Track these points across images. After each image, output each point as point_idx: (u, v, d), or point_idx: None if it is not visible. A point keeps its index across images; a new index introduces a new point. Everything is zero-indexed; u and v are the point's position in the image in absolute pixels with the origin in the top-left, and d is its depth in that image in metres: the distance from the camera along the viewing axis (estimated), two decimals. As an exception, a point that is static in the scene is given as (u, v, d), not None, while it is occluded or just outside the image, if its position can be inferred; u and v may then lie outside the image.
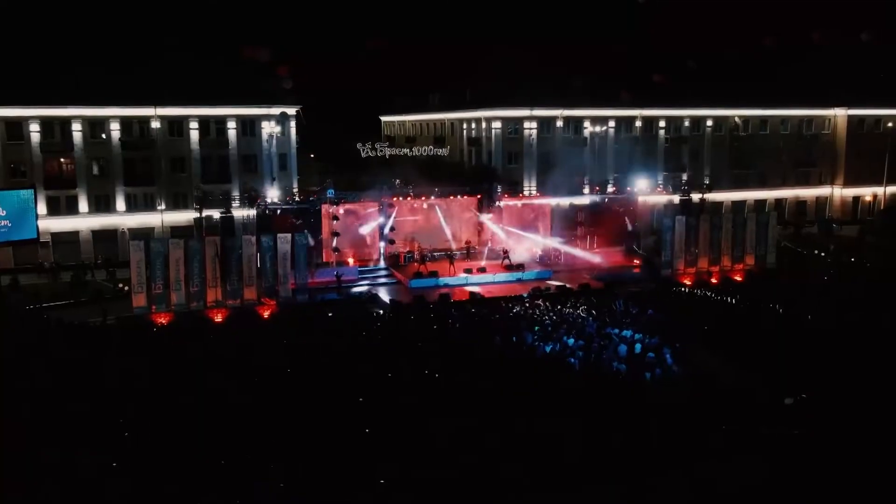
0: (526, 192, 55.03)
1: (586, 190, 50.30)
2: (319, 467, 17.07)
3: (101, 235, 46.84)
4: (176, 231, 47.39)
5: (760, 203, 63.82)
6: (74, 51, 47.38)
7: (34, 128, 46.29)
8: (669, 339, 27.57)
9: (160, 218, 49.29)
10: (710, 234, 43.50)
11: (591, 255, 45.62)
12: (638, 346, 26.14)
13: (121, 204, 48.61)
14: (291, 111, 52.40)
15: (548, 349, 28.14)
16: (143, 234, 46.32)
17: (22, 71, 45.37)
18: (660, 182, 50.38)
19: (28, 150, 46.40)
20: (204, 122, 50.00)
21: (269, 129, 49.75)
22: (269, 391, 22.11)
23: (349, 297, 38.03)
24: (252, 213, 40.32)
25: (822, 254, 48.91)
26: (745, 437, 18.78)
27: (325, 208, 42.99)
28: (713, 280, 42.89)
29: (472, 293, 38.03)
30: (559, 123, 58.33)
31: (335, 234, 42.17)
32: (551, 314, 32.42)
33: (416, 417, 19.87)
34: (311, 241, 41.33)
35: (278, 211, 40.87)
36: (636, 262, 46.01)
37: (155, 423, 19.78)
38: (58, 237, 47.31)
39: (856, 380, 21.86)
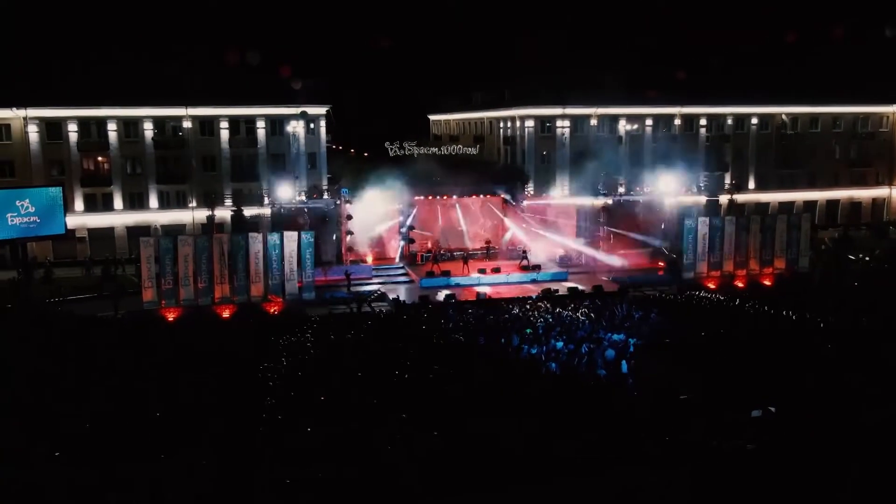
0: (557, 192, 54.26)
1: (621, 189, 48.87)
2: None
3: (134, 231, 48.30)
4: (206, 228, 48.54)
5: (810, 204, 61.12)
6: (109, 53, 49.01)
7: (72, 128, 48.21)
8: (656, 343, 26.75)
9: (191, 215, 50.58)
10: (736, 237, 41.81)
11: (612, 257, 44.51)
12: (610, 353, 25.30)
13: (154, 201, 50.13)
14: (321, 110, 52.95)
15: (534, 351, 27.65)
16: (176, 230, 47.64)
17: (60, 72, 47.26)
18: (687, 182, 48.65)
19: (66, 150, 48.36)
20: (234, 121, 51.08)
21: (291, 128, 50.30)
22: (229, 385, 22.48)
23: (357, 296, 38.14)
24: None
25: (867, 258, 46.43)
26: (685, 447, 17.93)
27: (343, 207, 43.48)
28: (739, 284, 41.28)
29: (479, 293, 37.60)
30: (593, 122, 57.13)
31: (349, 232, 42.43)
32: (548, 316, 31.77)
33: (363, 417, 19.85)
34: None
35: (293, 210, 41.36)
36: (661, 264, 44.62)
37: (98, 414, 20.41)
38: (94, 233, 49.14)
39: (835, 393, 20.59)
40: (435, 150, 53.36)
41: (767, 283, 41.77)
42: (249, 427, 19.54)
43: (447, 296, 36.79)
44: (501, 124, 63.14)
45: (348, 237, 42.57)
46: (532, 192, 52.36)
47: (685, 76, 57.29)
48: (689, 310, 33.67)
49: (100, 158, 49.43)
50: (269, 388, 22.60)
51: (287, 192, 43.11)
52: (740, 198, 59.89)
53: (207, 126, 50.76)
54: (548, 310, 33.13)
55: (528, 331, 29.74)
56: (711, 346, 26.09)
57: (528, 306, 33.78)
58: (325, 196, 43.83)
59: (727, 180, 60.13)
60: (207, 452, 17.61)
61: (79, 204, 48.85)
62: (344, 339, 28.66)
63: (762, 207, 58.99)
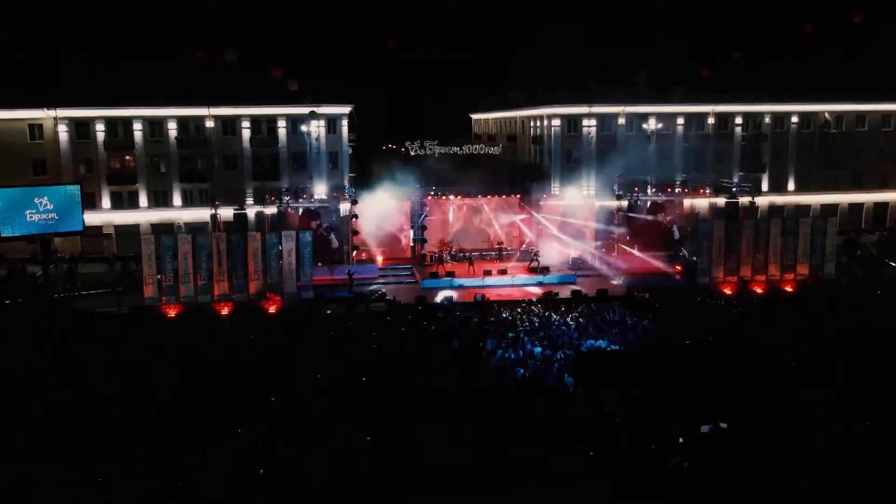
0: (583, 192, 53.02)
1: (651, 190, 47.24)
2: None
3: (158, 228, 49.30)
4: (228, 225, 49.29)
5: (855, 206, 58.23)
6: (135, 54, 50.24)
7: (100, 127, 49.67)
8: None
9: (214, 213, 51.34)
10: (755, 240, 40.00)
11: (625, 261, 43.23)
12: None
13: (177, 199, 51.20)
14: (343, 110, 53.16)
15: (510, 356, 27.02)
16: (198, 227, 48.45)
17: (88, 73, 48.69)
18: (714, 183, 46.86)
19: (94, 149, 49.85)
20: (255, 121, 51.74)
21: (310, 128, 50.54)
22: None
23: (357, 296, 38.04)
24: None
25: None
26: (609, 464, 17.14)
27: (354, 206, 43.54)
28: (758, 290, 39.51)
29: (476, 296, 36.95)
30: (621, 121, 55.63)
31: (354, 231, 42.42)
32: (536, 320, 30.99)
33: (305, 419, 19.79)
34: (335, 241, 41.96)
35: (300, 210, 41.59)
36: (678, 268, 43.03)
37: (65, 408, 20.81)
38: (120, 229, 50.47)
39: (793, 410, 19.34)
40: (456, 149, 52.94)
41: (789, 289, 39.85)
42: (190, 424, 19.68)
43: (445, 297, 36.34)
44: (532, 123, 62.25)
45: (355, 236, 42.49)
46: (556, 192, 51.42)
47: (719, 72, 55.11)
48: (688, 316, 32.30)
49: (126, 157, 50.77)
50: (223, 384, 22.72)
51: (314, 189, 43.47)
52: (779, 199, 57.81)
53: (229, 125, 51.55)
54: (539, 314, 32.33)
55: (511, 335, 29.13)
56: (686, 355, 24.92)
57: (519, 310, 33.04)
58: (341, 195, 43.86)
59: (764, 181, 57.88)
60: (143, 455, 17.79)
61: (106, 201, 50.31)
62: (321, 338, 28.63)
63: (803, 210, 56.36)
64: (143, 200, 50.93)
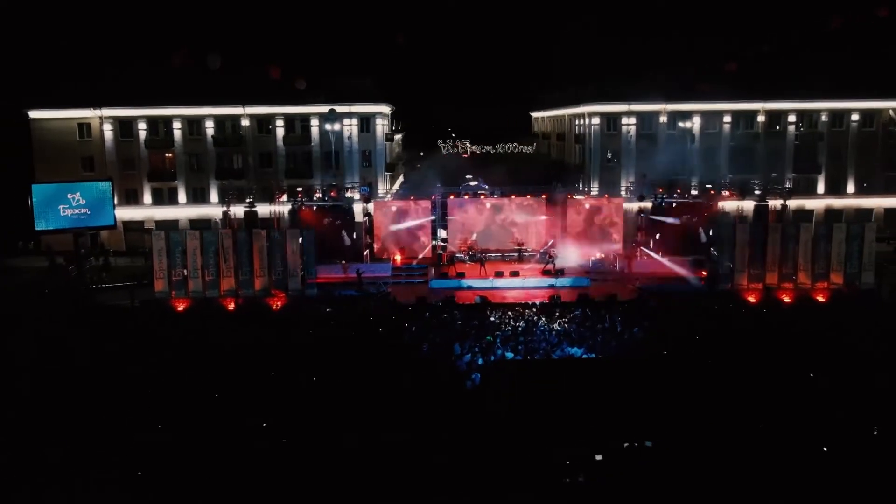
0: (622, 193, 51.38)
1: (677, 191, 45.25)
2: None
3: (196, 224, 50.99)
4: (264, 222, 50.41)
5: (925, 211, 54.14)
6: (174, 55, 51.86)
7: (142, 126, 51.70)
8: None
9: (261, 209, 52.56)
10: (782, 246, 37.58)
11: (647, 265, 41.54)
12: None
13: (214, 196, 52.64)
14: (377, 109, 53.39)
15: (480, 361, 26.36)
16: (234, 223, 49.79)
17: (131, 74, 50.80)
18: (729, 183, 44.49)
19: (136, 147, 51.94)
20: (289, 119, 52.63)
21: (332, 126, 50.93)
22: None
23: (363, 295, 38.01)
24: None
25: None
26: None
27: (376, 205, 43.64)
28: (786, 298, 37.17)
29: (476, 298, 36.21)
30: (662, 119, 53.51)
31: (367, 230, 42.45)
32: (521, 324, 30.14)
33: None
34: (347, 239, 42.10)
35: (314, 207, 41.95)
36: (703, 273, 40.94)
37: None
38: (160, 224, 52.17)
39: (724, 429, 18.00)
40: (489, 148, 52.39)
41: (821, 298, 37.31)
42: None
43: (446, 299, 35.83)
44: (577, 121, 60.87)
45: (368, 234, 42.57)
46: (594, 192, 50.16)
47: (769, 67, 52.26)
48: (687, 324, 30.62)
49: (166, 155, 52.61)
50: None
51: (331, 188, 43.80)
52: (837, 203, 54.33)
53: (264, 124, 52.63)
54: (529, 318, 31.41)
55: (489, 338, 28.46)
56: (652, 366, 23.56)
57: (510, 313, 32.20)
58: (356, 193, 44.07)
59: (820, 183, 54.52)
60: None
61: (147, 197, 52.33)
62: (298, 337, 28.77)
63: (864, 214, 52.82)
64: (181, 197, 52.65)
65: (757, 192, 40.65)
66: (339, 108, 51.55)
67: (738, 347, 26.70)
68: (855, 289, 37.50)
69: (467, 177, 51.44)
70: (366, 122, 53.38)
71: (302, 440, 18.90)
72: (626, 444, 17.66)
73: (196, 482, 16.92)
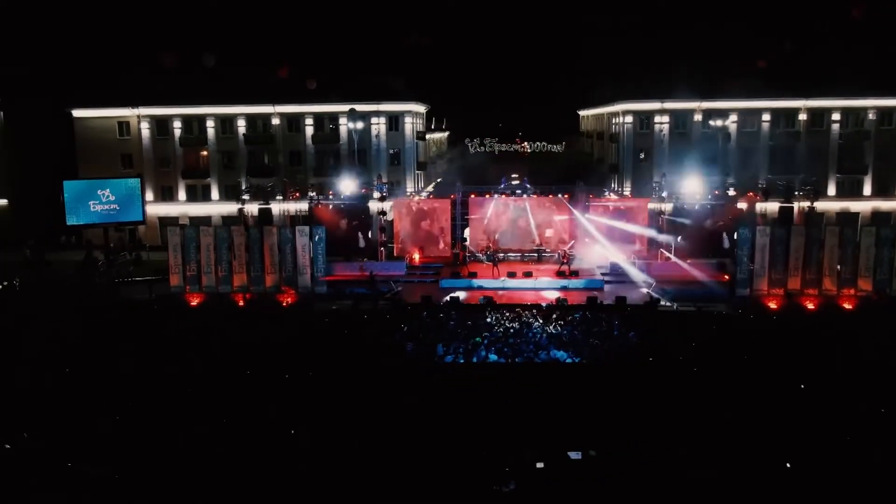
0: (655, 193, 50.09)
1: (699, 192, 43.99)
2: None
3: (228, 220, 52.08)
4: (294, 219, 51.20)
5: (984, 215, 50.99)
6: (207, 55, 53.24)
7: (177, 125, 53.13)
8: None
9: (279, 206, 53.39)
10: (806, 251, 35.90)
11: (666, 268, 40.35)
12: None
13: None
14: (408, 107, 53.51)
15: (461, 362, 26.16)
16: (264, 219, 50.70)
17: (166, 74, 52.30)
18: (762, 184, 42.66)
19: (172, 145, 53.42)
20: (318, 118, 53.23)
21: (353, 124, 51.20)
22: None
23: (374, 293, 38.09)
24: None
25: None
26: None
27: (395, 204, 43.77)
28: (809, 305, 35.54)
29: (483, 297, 35.79)
30: (697, 118, 51.88)
31: (382, 229, 42.53)
32: (514, 326, 29.68)
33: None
34: (361, 238, 42.31)
35: (330, 206, 42.29)
36: (726, 278, 39.51)
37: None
38: (194, 220, 53.50)
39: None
40: (517, 147, 51.88)
41: (848, 306, 35.53)
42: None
43: (450, 298, 35.58)
44: (613, 120, 59.70)
45: (381, 234, 42.67)
46: (627, 192, 49.14)
47: (811, 63, 50.08)
48: (686, 331, 29.59)
49: (201, 153, 53.94)
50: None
51: (349, 186, 44.17)
52: (884, 205, 51.73)
53: (294, 123, 53.37)
54: (525, 320, 30.89)
55: (477, 339, 28.17)
56: (630, 372, 22.89)
57: (508, 314, 31.73)
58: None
59: (867, 184, 51.98)
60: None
61: (182, 194, 53.77)
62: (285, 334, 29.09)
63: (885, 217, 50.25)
64: (214, 193, 53.88)
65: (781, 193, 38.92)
66: (367, 107, 51.85)
67: (735, 356, 25.68)
68: (885, 296, 35.58)
69: (513, 175, 50.90)
70: (394, 120, 53.52)
71: (259, 439, 19.00)
72: (568, 453, 17.12)
73: (192, 481, 17.10)
